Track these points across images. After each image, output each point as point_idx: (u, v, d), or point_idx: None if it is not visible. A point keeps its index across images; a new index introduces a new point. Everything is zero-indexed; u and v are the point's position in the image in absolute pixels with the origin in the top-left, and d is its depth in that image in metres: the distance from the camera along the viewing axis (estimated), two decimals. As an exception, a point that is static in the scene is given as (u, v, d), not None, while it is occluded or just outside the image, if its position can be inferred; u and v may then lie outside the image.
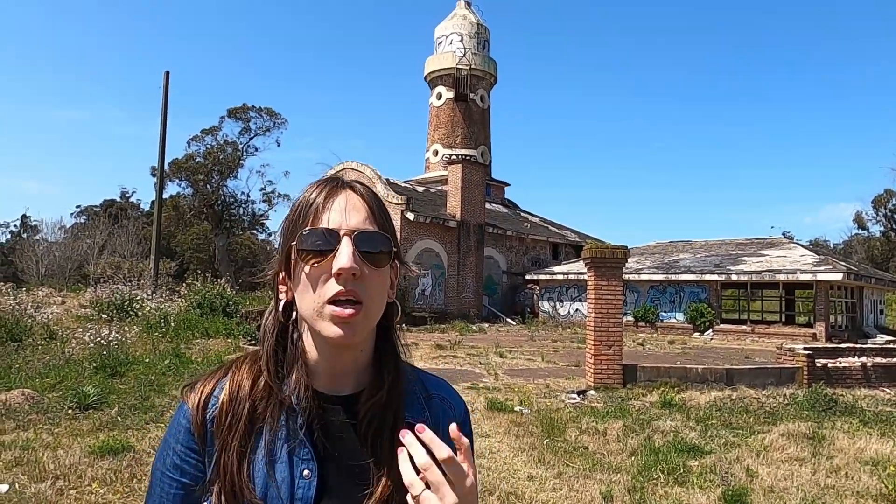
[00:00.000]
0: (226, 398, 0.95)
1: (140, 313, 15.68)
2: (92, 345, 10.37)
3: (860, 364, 11.17)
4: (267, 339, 0.99)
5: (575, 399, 9.37)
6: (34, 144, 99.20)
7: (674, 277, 26.62)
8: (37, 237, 48.41)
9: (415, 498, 0.80)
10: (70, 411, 7.30)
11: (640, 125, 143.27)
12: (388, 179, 29.39)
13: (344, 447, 0.95)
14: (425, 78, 39.87)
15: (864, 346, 13.05)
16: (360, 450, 0.94)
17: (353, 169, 29.22)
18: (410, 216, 27.27)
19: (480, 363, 13.57)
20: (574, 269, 29.34)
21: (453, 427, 0.82)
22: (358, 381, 0.98)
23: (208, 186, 48.21)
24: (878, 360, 11.53)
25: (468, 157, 34.46)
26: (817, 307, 23.66)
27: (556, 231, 38.66)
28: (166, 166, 34.76)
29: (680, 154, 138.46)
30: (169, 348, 11.98)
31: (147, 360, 10.63)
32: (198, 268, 32.83)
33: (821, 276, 22.88)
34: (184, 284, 19.95)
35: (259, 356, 0.99)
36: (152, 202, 41.61)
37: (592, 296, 10.58)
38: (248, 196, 49.49)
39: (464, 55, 38.12)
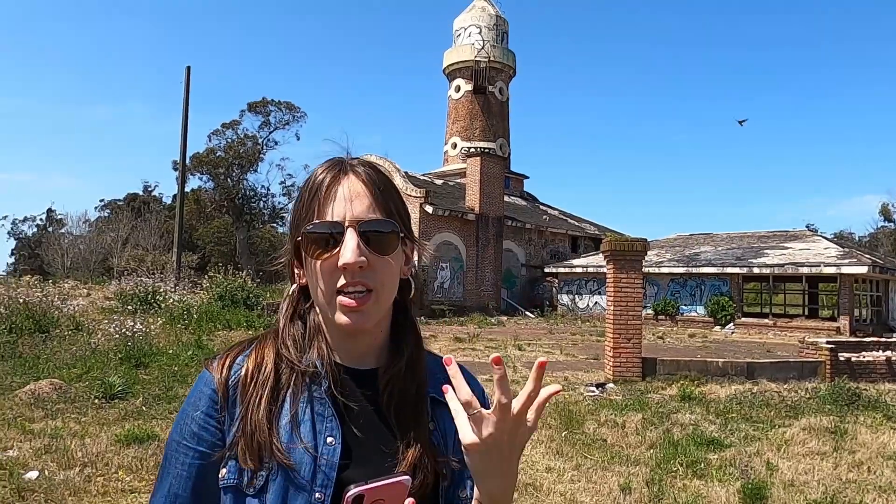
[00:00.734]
0: (250, 366, 0.95)
1: (163, 305, 15.93)
2: (117, 336, 10.57)
3: (885, 358, 11.01)
4: (284, 314, 1.00)
5: (594, 392, 9.36)
6: (62, 141, 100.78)
7: (694, 270, 26.39)
8: (62, 231, 49.29)
9: (472, 415, 0.79)
10: (96, 401, 7.45)
11: (661, 117, 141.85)
12: (406, 172, 29.45)
13: (370, 417, 0.95)
14: (444, 71, 39.79)
15: (888, 339, 12.84)
16: (387, 419, 0.95)
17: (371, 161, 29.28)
18: (429, 209, 27.31)
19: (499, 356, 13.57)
20: (593, 262, 29.22)
21: (542, 359, 0.80)
22: (378, 356, 0.99)
23: (229, 180, 48.69)
24: (903, 354, 11.35)
25: (487, 150, 34.38)
26: (841, 301, 23.32)
27: (576, 224, 38.48)
28: (188, 160, 35.14)
29: (702, 146, 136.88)
30: (191, 340, 12.17)
31: (170, 352, 10.81)
32: (219, 261, 33.23)
33: (845, 270, 22.54)
34: (205, 277, 20.23)
35: (279, 331, 1.00)
36: (174, 196, 42.11)
37: (611, 289, 10.55)
38: (269, 189, 49.90)
39: (482, 47, 37.97)
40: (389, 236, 0.93)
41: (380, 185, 0.96)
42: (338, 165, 0.96)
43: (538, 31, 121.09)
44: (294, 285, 1.00)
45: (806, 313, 25.72)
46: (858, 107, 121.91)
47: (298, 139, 49.86)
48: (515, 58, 40.08)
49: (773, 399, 8.71)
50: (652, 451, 6.21)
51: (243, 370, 0.95)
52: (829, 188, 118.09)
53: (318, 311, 0.97)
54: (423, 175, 33.87)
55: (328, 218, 0.91)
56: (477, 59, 37.71)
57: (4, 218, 67.43)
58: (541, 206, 39.23)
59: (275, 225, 51.51)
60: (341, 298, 0.89)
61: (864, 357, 11.00)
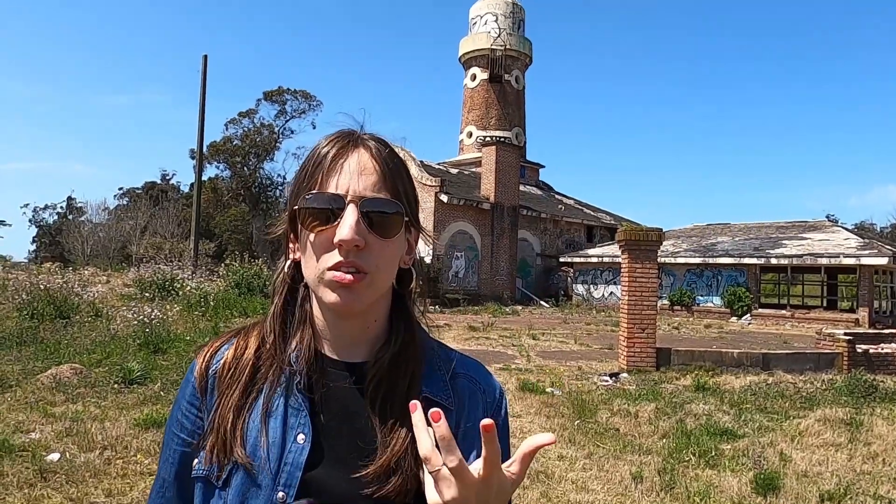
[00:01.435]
0: (230, 354, 0.92)
1: (181, 293, 16.12)
2: (135, 322, 10.72)
3: (903, 350, 10.89)
4: (275, 297, 0.95)
5: (607, 381, 9.36)
6: (82, 130, 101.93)
7: (711, 261, 26.20)
8: (82, 218, 49.93)
9: (432, 473, 0.71)
10: (116, 386, 7.59)
11: (680, 106, 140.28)
12: (422, 161, 29.45)
13: (348, 414, 0.89)
14: (460, 59, 39.64)
15: (908, 332, 12.70)
16: (367, 417, 0.88)
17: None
18: (444, 198, 27.31)
19: (513, 345, 13.62)
20: (609, 251, 29.09)
21: (486, 422, 0.68)
22: (371, 349, 0.92)
23: (245, 169, 49.01)
24: (922, 346, 11.22)
25: (502, 139, 34.26)
26: (860, 292, 23.05)
27: (591, 213, 38.29)
28: (205, 149, 35.38)
29: (722, 135, 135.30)
30: (208, 326, 12.32)
31: (188, 338, 10.95)
32: (236, 249, 33.52)
33: (865, 261, 22.26)
34: (222, 265, 20.45)
35: (267, 320, 0.95)
36: (191, 184, 42.52)
37: (626, 279, 10.52)
38: (285, 178, 50.14)
39: (499, 35, 37.75)
40: (393, 218, 0.86)
41: (390, 164, 0.89)
42: (348, 137, 0.90)
43: (555, 18, 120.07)
44: (288, 260, 0.94)
45: (824, 304, 25.45)
46: (883, 96, 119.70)
47: (314, 128, 50.04)
48: (532, 46, 39.84)
49: (788, 390, 8.66)
50: (664, 440, 6.22)
51: (223, 360, 0.93)
52: (852, 178, 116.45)
53: (309, 290, 0.92)
54: (439, 164, 33.84)
55: (330, 190, 0.85)
56: (493, 47, 37.52)
57: (26, 206, 68.64)
58: (556, 196, 39.08)
59: (291, 213, 51.80)
60: (333, 274, 0.83)
61: (882, 349, 10.89)
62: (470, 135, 37.97)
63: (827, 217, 37.83)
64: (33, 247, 58.31)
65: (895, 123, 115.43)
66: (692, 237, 30.43)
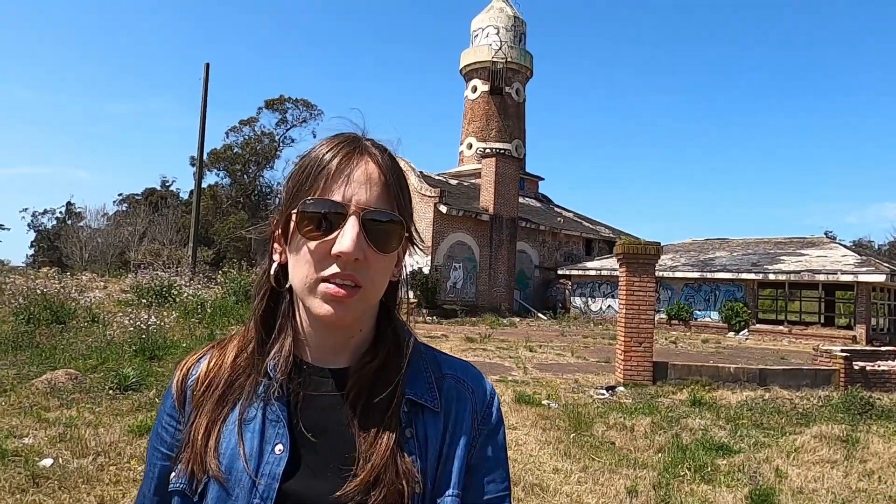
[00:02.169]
0: (204, 368, 0.91)
1: (178, 299, 16.10)
2: (132, 328, 10.70)
3: (900, 368, 10.88)
4: (257, 300, 0.92)
5: (603, 395, 9.35)
6: (85, 136, 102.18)
7: (709, 276, 26.23)
8: (81, 224, 49.93)
9: None
10: (110, 392, 7.56)
11: (679, 120, 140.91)
12: (421, 172, 29.51)
13: (329, 423, 0.86)
14: (461, 71, 39.83)
15: (905, 349, 12.70)
16: (348, 426, 0.85)
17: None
18: (443, 209, 27.34)
19: (510, 357, 13.60)
20: (607, 264, 29.12)
21: None
22: (353, 355, 0.90)
23: (245, 176, 49.08)
24: (919, 364, 11.21)
25: (502, 151, 34.36)
26: (858, 309, 23.07)
27: (590, 226, 38.35)
28: (205, 156, 35.45)
29: (721, 150, 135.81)
30: (205, 334, 12.30)
31: (184, 345, 10.92)
32: (234, 256, 33.50)
33: (862, 278, 22.29)
34: (220, 272, 20.43)
35: (250, 328, 0.93)
36: (191, 191, 42.54)
37: (624, 292, 10.52)
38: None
39: (500, 48, 37.95)
40: (394, 234, 0.84)
41: (394, 176, 0.87)
42: (353, 143, 0.87)
43: (556, 32, 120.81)
44: (274, 263, 0.90)
45: (822, 321, 25.46)
46: (883, 113, 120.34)
47: (315, 136, 49.96)
48: (532, 59, 40.04)
49: (784, 406, 8.65)
50: (660, 455, 6.20)
51: (199, 372, 0.91)
52: (850, 195, 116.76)
53: (293, 296, 0.89)
54: (438, 175, 33.91)
55: (334, 198, 0.82)
56: (494, 59, 37.71)
57: (25, 210, 68.59)
58: (555, 208, 39.15)
59: (290, 222, 51.86)
60: (327, 287, 0.80)
61: (879, 366, 10.88)
62: (470, 146, 38.08)
63: (825, 234, 37.82)
64: (31, 251, 58.28)
65: (892, 141, 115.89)
66: (690, 251, 30.47)
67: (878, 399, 8.86)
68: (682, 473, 5.58)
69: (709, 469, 5.70)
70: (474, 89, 38.61)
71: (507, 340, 17.02)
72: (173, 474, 0.88)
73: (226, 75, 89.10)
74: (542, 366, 12.55)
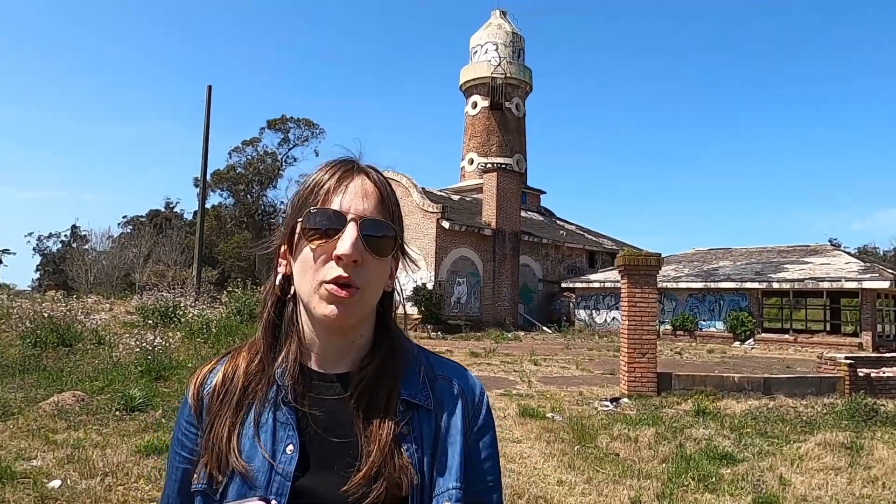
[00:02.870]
0: (220, 378, 0.99)
1: (183, 320, 16.17)
2: (138, 350, 10.77)
3: (905, 374, 10.87)
4: (264, 311, 1.00)
5: (608, 406, 9.36)
6: (87, 159, 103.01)
7: (713, 285, 26.21)
8: (86, 247, 50.18)
9: None
10: (117, 413, 7.62)
11: (681, 130, 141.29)
12: (423, 188, 29.66)
13: (334, 424, 0.94)
14: (461, 87, 40.16)
15: (909, 355, 12.68)
16: (351, 426, 0.93)
17: (388, 178, 29.47)
18: (446, 224, 27.46)
19: (514, 371, 13.61)
20: (611, 276, 29.11)
21: None
22: (354, 361, 0.98)
23: (249, 196, 49.35)
24: (924, 370, 11.20)
25: (503, 166, 34.55)
26: (863, 316, 23.01)
27: (593, 239, 38.41)
28: (208, 177, 35.70)
29: (724, 160, 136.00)
30: (210, 353, 12.33)
31: (189, 365, 10.97)
32: (238, 276, 33.61)
33: (867, 284, 22.26)
34: (225, 292, 20.51)
35: (257, 339, 1.01)
36: (195, 212, 42.77)
37: (626, 303, 10.56)
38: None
39: (499, 64, 38.29)
40: (387, 240, 0.94)
41: (388, 192, 0.98)
42: (350, 164, 0.98)
43: (554, 47, 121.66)
44: (279, 275, 1.00)
45: (828, 329, 25.40)
46: (887, 117, 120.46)
47: (317, 155, 50.43)
48: (532, 74, 40.37)
49: (788, 414, 8.65)
50: (664, 465, 6.21)
51: (214, 381, 0.99)
52: (855, 202, 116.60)
53: (297, 305, 0.98)
54: (440, 191, 34.08)
55: (334, 207, 0.92)
56: (493, 75, 38.04)
57: (30, 234, 69.00)
58: (557, 222, 39.24)
59: (293, 240, 52.03)
60: (329, 287, 0.89)
61: (884, 373, 10.87)
62: (471, 161, 38.29)
63: (830, 241, 37.83)
64: (37, 275, 58.56)
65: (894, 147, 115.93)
66: (694, 262, 30.48)
67: (883, 406, 8.86)
68: (686, 483, 5.60)
69: (713, 478, 5.71)
70: (474, 105, 38.90)
71: (511, 354, 17.03)
72: (195, 476, 0.94)
73: (228, 96, 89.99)
74: (546, 379, 12.56)
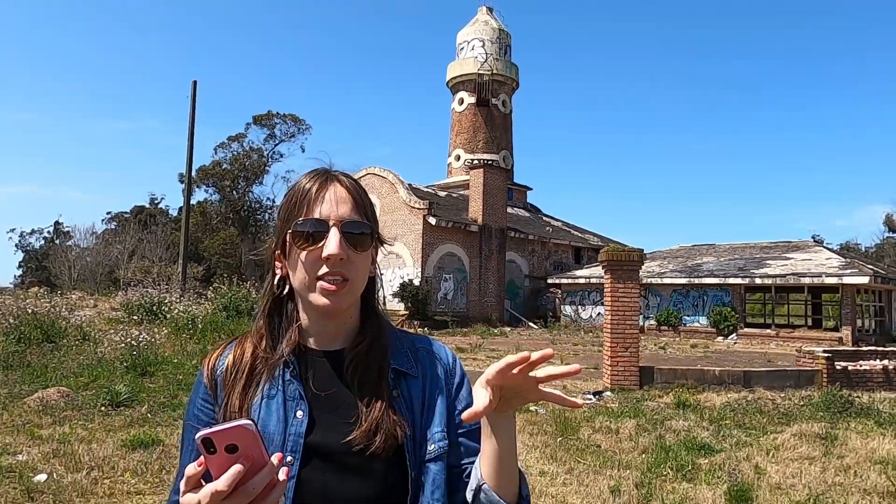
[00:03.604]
0: (231, 359, 1.14)
1: (168, 316, 16.13)
2: (123, 345, 10.76)
3: (881, 367, 11.10)
4: (264, 307, 1.17)
5: (591, 399, 9.50)
6: (73, 155, 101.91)
7: (697, 281, 26.49)
8: (69, 243, 49.71)
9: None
10: (103, 408, 7.64)
11: (667, 127, 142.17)
12: (410, 185, 29.69)
13: (335, 392, 1.10)
14: (447, 83, 40.17)
15: (885, 349, 12.93)
16: (348, 392, 1.10)
17: (375, 174, 29.60)
18: (432, 221, 27.51)
19: (500, 365, 13.71)
20: (596, 272, 29.32)
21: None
22: (346, 339, 1.15)
23: (234, 192, 49.10)
24: (900, 363, 11.44)
25: (490, 162, 34.65)
26: (843, 311, 23.38)
27: (579, 235, 38.63)
28: (194, 173, 35.52)
29: (709, 156, 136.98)
30: (196, 349, 12.35)
31: (175, 361, 10.99)
32: (224, 272, 33.50)
33: (847, 280, 22.62)
34: (210, 288, 20.47)
35: (260, 326, 1.17)
36: (180, 208, 42.54)
37: (609, 298, 10.70)
38: (274, 202, 50.20)
39: (485, 60, 38.35)
40: (365, 236, 1.10)
41: (358, 193, 1.14)
42: (325, 174, 1.14)
43: (541, 43, 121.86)
44: (276, 277, 1.16)
45: (809, 324, 25.78)
46: (869, 115, 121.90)
47: (304, 151, 50.36)
48: (518, 70, 40.46)
49: (766, 406, 8.82)
50: (644, 455, 6.35)
51: (226, 363, 1.14)
52: (838, 198, 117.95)
53: (295, 298, 1.15)
54: (427, 187, 34.10)
55: (316, 216, 1.08)
56: (480, 72, 38.09)
57: (12, 230, 68.19)
58: (544, 218, 39.41)
59: (280, 237, 51.86)
60: (322, 283, 1.06)
61: (860, 366, 11.09)
62: (458, 158, 38.35)
63: (813, 238, 38.42)
64: (19, 272, 57.91)
65: (880, 144, 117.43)
66: (678, 258, 30.77)
67: (858, 397, 9.07)
68: (665, 473, 5.73)
69: (690, 468, 5.85)
70: (461, 101, 38.94)
71: (497, 350, 17.15)
72: None
73: (214, 92, 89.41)
74: (531, 373, 12.66)
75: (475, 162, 34.45)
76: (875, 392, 10.26)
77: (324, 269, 1.06)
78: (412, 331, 1.28)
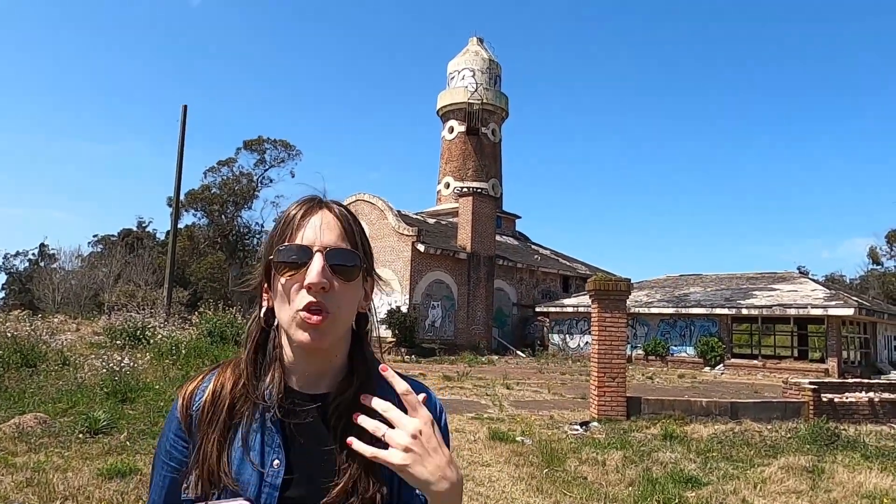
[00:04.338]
0: (209, 395, 1.05)
1: (152, 341, 15.91)
2: (104, 371, 10.57)
3: (867, 399, 11.11)
4: (248, 342, 1.08)
5: (577, 430, 9.41)
6: (59, 177, 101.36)
7: (684, 311, 26.57)
8: (54, 265, 49.17)
9: (382, 437, 0.92)
10: (81, 435, 7.46)
11: (655, 158, 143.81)
12: (399, 211, 29.75)
13: (314, 440, 1.02)
14: (438, 112, 40.55)
15: (871, 381, 12.97)
16: (330, 443, 1.01)
17: (365, 201, 29.67)
18: (421, 248, 27.51)
19: (487, 394, 13.62)
20: (584, 301, 29.33)
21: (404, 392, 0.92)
22: (332, 382, 1.06)
23: (223, 217, 48.93)
24: (885, 395, 11.46)
25: (479, 190, 34.83)
26: (829, 342, 23.48)
27: (567, 264, 38.74)
28: (182, 197, 35.43)
29: (697, 188, 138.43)
30: (179, 375, 12.15)
31: (157, 387, 10.80)
32: (211, 297, 33.21)
33: (832, 311, 22.76)
34: (196, 313, 20.26)
35: (241, 359, 1.08)
36: (168, 232, 42.26)
37: (596, 328, 10.68)
38: (263, 227, 50.04)
39: (476, 90, 38.80)
40: (353, 267, 1.02)
41: (350, 221, 1.06)
42: (314, 199, 1.07)
43: (530, 75, 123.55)
44: (263, 308, 1.08)
45: (795, 355, 25.86)
46: (855, 148, 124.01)
47: (293, 176, 50.33)
48: (508, 100, 40.94)
49: (753, 438, 8.78)
50: (630, 488, 6.27)
51: (203, 399, 1.05)
52: (824, 231, 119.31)
53: (279, 332, 1.06)
54: (416, 214, 34.20)
55: (300, 242, 1.00)
56: (470, 101, 38.51)
57: (-4, 252, 67.36)
58: (532, 246, 39.54)
59: (268, 262, 51.62)
60: (302, 314, 0.97)
61: (847, 398, 11.10)
62: (447, 185, 38.55)
63: (798, 269, 38.67)
64: (2, 294, 57.13)
65: (864, 178, 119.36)
66: (665, 287, 30.89)
67: (845, 430, 9.05)
68: (651, 506, 5.66)
69: (677, 501, 5.79)
70: (451, 130, 39.28)
71: (484, 378, 17.03)
72: (185, 485, 1.01)
73: (205, 118, 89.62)
74: (518, 403, 12.58)
75: (464, 190, 34.64)
76: (861, 425, 10.24)
77: (305, 300, 0.97)
78: (401, 372, 1.15)
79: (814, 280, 30.34)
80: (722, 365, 24.91)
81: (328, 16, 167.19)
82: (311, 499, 0.98)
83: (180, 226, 38.42)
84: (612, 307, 10.64)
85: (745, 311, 25.14)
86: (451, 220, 33.84)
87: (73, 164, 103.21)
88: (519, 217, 40.88)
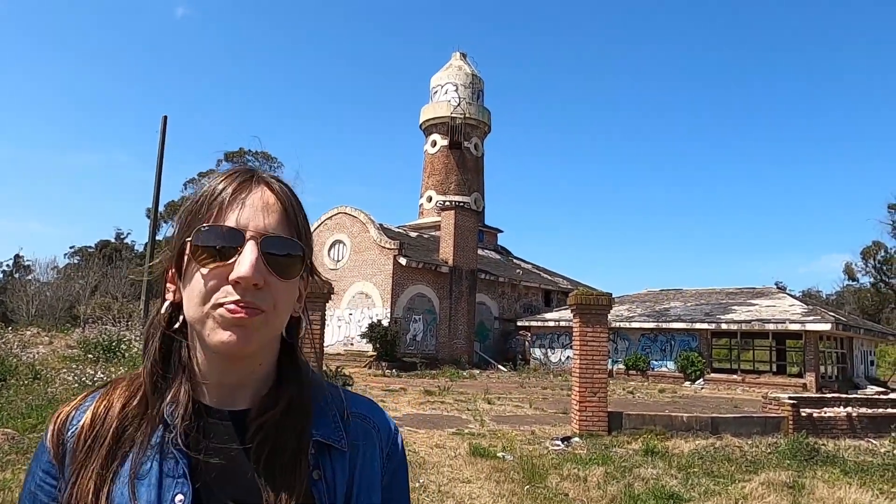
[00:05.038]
0: (88, 419, 0.83)
1: (127, 354, 15.62)
2: (76, 385, 10.34)
3: (845, 414, 11.19)
4: (149, 345, 0.86)
5: (559, 446, 9.34)
6: (36, 187, 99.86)
7: (664, 326, 26.69)
8: (29, 277, 48.29)
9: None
10: (49, 452, 7.25)
11: (635, 175, 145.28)
12: (381, 224, 29.64)
13: (232, 470, 0.81)
14: (421, 126, 40.63)
15: (849, 396, 13.08)
16: (252, 474, 0.81)
17: (346, 213, 29.55)
18: (403, 261, 27.41)
19: (468, 409, 13.50)
20: (566, 315, 29.37)
21: None
22: (255, 395, 0.85)
23: (203, 229, 48.33)
24: (863, 410, 11.55)
25: (461, 204, 34.85)
26: (807, 357, 23.69)
27: (549, 278, 38.82)
28: (162, 208, 35.03)
29: (676, 204, 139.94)
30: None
31: (131, 402, 10.57)
32: (189, 310, 32.76)
33: (809, 327, 22.99)
34: (173, 326, 19.93)
35: (140, 373, 0.87)
36: (146, 244, 41.70)
37: (578, 342, 10.65)
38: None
39: (458, 104, 38.94)
40: (294, 260, 0.82)
41: (293, 204, 0.86)
42: (248, 173, 0.85)
43: (513, 90, 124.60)
44: (166, 302, 0.86)
45: (774, 370, 26.04)
46: (831, 165, 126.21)
47: (275, 189, 50.05)
48: (490, 115, 41.14)
49: (734, 454, 8.77)
50: (612, 505, 6.21)
51: (81, 422, 0.83)
52: (800, 246, 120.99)
53: (188, 335, 0.85)
54: (398, 227, 34.10)
55: (229, 223, 0.80)
56: (453, 115, 38.63)
57: (-31, 263, 65.99)
58: (514, 260, 39.59)
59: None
60: (222, 310, 0.77)
61: (825, 413, 11.16)
62: (430, 199, 38.54)
63: (776, 284, 39.14)
64: (-26, 306, 55.92)
65: (841, 194, 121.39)
66: (646, 302, 31.04)
67: (824, 445, 9.08)
68: (633, 523, 5.60)
69: (659, 518, 5.73)
70: (434, 144, 39.35)
71: (465, 393, 16.91)
72: None
73: (187, 130, 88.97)
74: (499, 418, 12.49)
75: (447, 203, 34.63)
76: (840, 440, 10.30)
77: (230, 298, 0.77)
78: (354, 392, 0.99)
79: (791, 295, 30.68)
80: (702, 380, 25.01)
81: (311, 28, 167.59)
82: None
83: (159, 237, 37.92)
84: (593, 321, 10.63)
85: (724, 326, 25.33)
86: (433, 233, 33.80)
87: (52, 176, 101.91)
88: (501, 231, 40.99)
